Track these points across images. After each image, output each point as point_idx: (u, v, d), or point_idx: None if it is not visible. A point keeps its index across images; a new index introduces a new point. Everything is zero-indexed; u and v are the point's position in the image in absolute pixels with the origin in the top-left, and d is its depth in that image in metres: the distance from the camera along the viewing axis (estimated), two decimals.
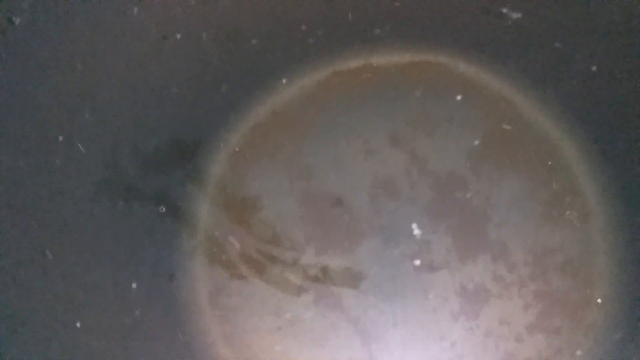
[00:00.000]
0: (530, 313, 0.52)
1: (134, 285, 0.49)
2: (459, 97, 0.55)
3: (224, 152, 0.55)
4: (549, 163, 0.54)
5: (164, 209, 0.52)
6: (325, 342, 0.53)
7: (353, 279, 0.53)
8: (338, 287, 0.53)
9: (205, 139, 0.54)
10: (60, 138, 0.45)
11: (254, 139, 0.55)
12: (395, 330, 0.52)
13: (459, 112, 0.55)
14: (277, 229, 0.54)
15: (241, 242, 0.54)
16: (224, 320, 0.53)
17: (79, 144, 0.46)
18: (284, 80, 0.55)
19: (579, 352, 0.51)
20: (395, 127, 0.55)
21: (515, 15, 0.51)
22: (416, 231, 0.54)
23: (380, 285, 0.53)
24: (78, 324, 0.45)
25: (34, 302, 0.43)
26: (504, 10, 0.51)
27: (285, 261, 0.54)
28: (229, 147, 0.55)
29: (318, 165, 0.55)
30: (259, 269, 0.53)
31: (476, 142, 0.54)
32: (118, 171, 0.49)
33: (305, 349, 0.52)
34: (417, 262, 0.53)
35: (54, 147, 0.45)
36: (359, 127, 0.55)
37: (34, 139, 0.44)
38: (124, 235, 0.49)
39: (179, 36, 0.49)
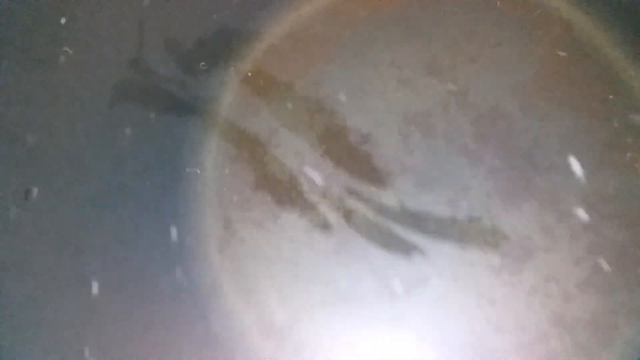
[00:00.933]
0: (582, 269, 0.46)
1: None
2: (507, 19, 0.47)
3: (234, 79, 0.47)
4: (610, 97, 0.46)
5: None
6: (348, 297, 0.46)
7: (379, 227, 0.47)
8: (362, 236, 0.47)
9: (211, 63, 0.47)
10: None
11: (268, 63, 0.48)
12: (427, 287, 0.46)
13: (507, 35, 0.47)
14: (295, 169, 0.47)
15: (254, 182, 0.47)
16: (236, 269, 0.46)
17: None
18: None
19: (635, 314, 0.45)
20: (432, 53, 0.48)
21: None
22: (453, 174, 0.47)
23: (410, 234, 0.46)
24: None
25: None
26: None
27: (303, 205, 0.47)
28: (240, 72, 0.47)
29: (342, 96, 0.48)
30: (274, 212, 0.47)
31: (525, 72, 0.47)
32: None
33: (326, 304, 0.46)
34: (454, 209, 0.46)
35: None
36: (390, 52, 0.48)
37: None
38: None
39: None
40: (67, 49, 0.39)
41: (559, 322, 0.45)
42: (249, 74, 0.47)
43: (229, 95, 0.47)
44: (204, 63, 0.46)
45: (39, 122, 0.40)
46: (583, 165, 0.46)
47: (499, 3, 0.47)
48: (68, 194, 0.41)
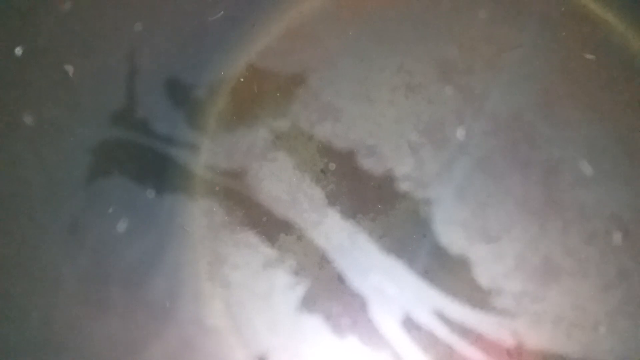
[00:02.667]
0: (612, 295, 0.41)
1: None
2: (528, 17, 0.42)
3: (224, 84, 0.42)
4: None
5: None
6: (348, 329, 0.42)
7: (386, 255, 0.42)
8: (367, 260, 0.42)
9: (198, 67, 0.42)
10: None
11: (263, 67, 0.43)
12: (440, 317, 0.42)
13: (529, 36, 0.43)
14: (293, 186, 0.42)
15: (248, 200, 0.42)
16: (227, 297, 0.42)
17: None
18: None
19: None
20: (445, 56, 0.43)
21: None
22: (469, 191, 0.42)
23: (421, 260, 0.42)
24: None
25: None
26: None
27: (303, 225, 0.42)
28: (231, 77, 0.42)
29: (346, 104, 0.43)
30: (270, 234, 0.42)
31: (549, 77, 0.42)
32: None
33: (321, 335, 0.42)
34: (470, 230, 0.42)
35: None
36: (399, 55, 0.44)
37: None
38: None
39: None
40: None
41: (587, 354, 0.41)
42: (241, 79, 0.43)
43: (219, 103, 0.43)
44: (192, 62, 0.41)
45: None
46: (612, 180, 0.42)
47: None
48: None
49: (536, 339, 0.41)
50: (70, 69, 0.37)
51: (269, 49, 0.43)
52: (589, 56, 0.42)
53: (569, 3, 0.42)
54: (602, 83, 0.42)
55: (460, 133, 0.43)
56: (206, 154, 0.43)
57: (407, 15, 0.43)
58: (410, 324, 0.41)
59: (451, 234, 0.42)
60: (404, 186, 0.43)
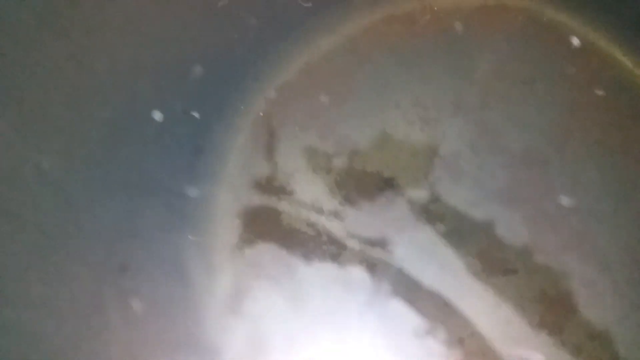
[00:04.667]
0: (628, 327, 0.42)
1: None
2: (540, 54, 0.44)
3: (244, 119, 0.43)
4: None
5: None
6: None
7: (406, 281, 0.42)
8: (387, 292, 0.43)
9: (217, 102, 0.42)
10: None
11: (282, 102, 0.44)
12: (459, 347, 0.42)
13: (540, 72, 0.44)
14: (312, 218, 0.43)
15: (268, 234, 0.42)
16: (248, 329, 0.42)
17: None
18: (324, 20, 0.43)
19: None
20: (459, 91, 0.44)
21: None
22: (485, 223, 0.43)
23: (438, 292, 0.42)
24: None
25: None
26: None
27: (322, 258, 0.43)
28: (251, 112, 0.43)
29: (362, 138, 0.44)
30: (290, 267, 0.42)
31: (560, 112, 0.44)
32: None
33: None
34: (486, 262, 0.43)
35: None
36: (414, 90, 0.45)
37: None
38: None
39: None
40: None
41: None
42: (261, 114, 0.44)
43: (239, 138, 0.43)
44: (211, 100, 0.42)
45: None
46: (627, 212, 0.43)
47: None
48: None
49: None
50: None
51: (287, 84, 0.44)
52: (598, 92, 0.44)
53: (580, 41, 0.44)
54: (612, 118, 0.44)
55: (475, 167, 0.44)
56: (225, 184, 0.43)
57: (422, 52, 0.45)
58: None
59: (470, 266, 0.42)
60: (422, 218, 0.43)
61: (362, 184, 0.44)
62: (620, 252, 0.43)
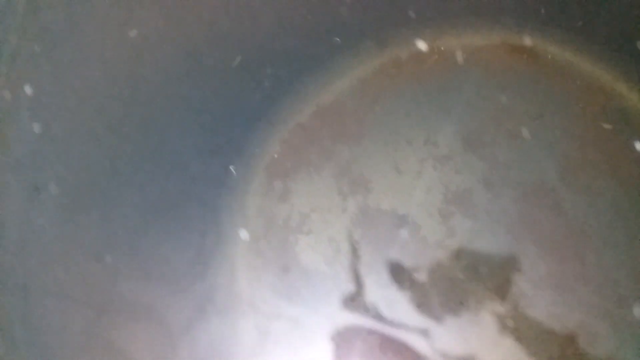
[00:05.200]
0: None
1: None
2: (547, 90, 0.45)
3: (259, 161, 0.44)
4: None
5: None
6: None
7: (423, 321, 0.43)
8: (404, 332, 0.43)
9: (234, 146, 0.43)
10: None
11: (296, 143, 0.44)
12: None
13: (549, 107, 0.45)
14: (329, 258, 0.43)
15: (286, 274, 0.43)
16: None
17: None
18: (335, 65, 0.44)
19: None
20: (469, 128, 0.45)
21: None
22: (499, 257, 0.43)
23: (459, 331, 0.42)
24: None
25: None
26: None
27: (340, 297, 0.43)
28: (265, 154, 0.44)
29: (376, 176, 0.45)
30: (309, 307, 0.42)
31: (570, 146, 0.44)
32: None
33: None
34: (503, 298, 0.43)
35: None
36: (425, 128, 0.46)
37: None
38: None
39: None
40: None
41: None
42: (275, 155, 0.44)
43: (254, 180, 0.44)
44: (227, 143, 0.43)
45: None
46: (638, 242, 0.43)
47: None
48: None
49: None
50: None
51: (300, 125, 0.45)
52: (606, 125, 0.45)
53: (584, 76, 0.45)
54: (620, 151, 0.44)
55: (488, 201, 0.44)
56: (242, 227, 0.44)
57: (431, 91, 0.46)
58: None
59: (486, 302, 0.43)
60: (437, 254, 0.44)
61: (378, 221, 0.44)
62: (636, 282, 0.43)
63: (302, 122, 0.45)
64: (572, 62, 0.45)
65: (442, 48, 0.46)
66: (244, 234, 0.43)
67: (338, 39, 0.43)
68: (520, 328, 0.43)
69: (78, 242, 0.39)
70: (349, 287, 0.43)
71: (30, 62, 0.38)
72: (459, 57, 0.45)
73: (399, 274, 0.43)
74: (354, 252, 0.44)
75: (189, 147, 0.41)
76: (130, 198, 0.40)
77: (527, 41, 0.45)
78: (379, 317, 0.43)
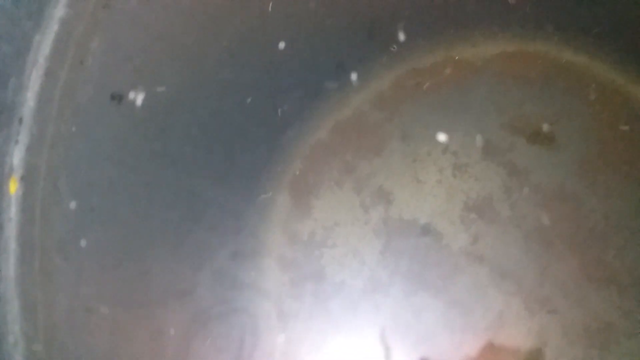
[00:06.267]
0: None
1: None
2: (562, 94, 0.45)
3: (282, 179, 0.45)
4: None
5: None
6: None
7: (450, 330, 0.43)
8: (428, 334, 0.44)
9: (258, 166, 0.44)
10: None
11: (316, 159, 0.46)
12: None
13: (566, 112, 0.46)
14: (355, 270, 0.44)
15: (313, 289, 0.44)
16: None
17: None
18: (352, 78, 0.45)
19: None
20: (488, 135, 0.46)
21: None
22: (523, 262, 0.44)
23: (483, 330, 0.43)
24: None
25: None
26: None
27: (370, 311, 0.44)
28: (288, 171, 0.45)
29: (396, 187, 0.46)
30: (338, 324, 0.44)
31: (588, 149, 0.45)
32: None
33: None
34: (529, 301, 0.44)
35: None
36: (443, 137, 0.46)
37: None
38: None
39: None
40: None
41: None
42: (297, 172, 0.45)
43: (278, 196, 0.45)
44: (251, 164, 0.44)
45: None
46: None
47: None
48: None
49: None
50: None
51: (320, 142, 0.46)
52: (623, 127, 0.45)
53: (598, 79, 0.45)
54: (638, 151, 0.45)
55: (509, 207, 0.45)
56: (269, 243, 0.45)
57: (447, 101, 0.46)
58: None
59: (513, 305, 0.44)
60: (461, 261, 0.44)
61: (401, 231, 0.45)
62: None
63: (321, 138, 0.46)
64: (587, 66, 0.45)
65: (457, 57, 0.46)
66: (269, 251, 0.44)
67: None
68: (545, 329, 0.43)
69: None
70: (376, 297, 0.44)
71: None
72: (474, 66, 0.46)
73: (422, 281, 0.44)
74: (379, 264, 0.45)
75: (211, 173, 0.42)
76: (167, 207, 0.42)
77: (542, 47, 0.46)
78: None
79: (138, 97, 0.40)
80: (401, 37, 0.46)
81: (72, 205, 0.40)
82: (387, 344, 0.44)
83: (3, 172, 0.39)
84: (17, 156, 0.39)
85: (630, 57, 0.45)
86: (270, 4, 0.42)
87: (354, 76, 0.46)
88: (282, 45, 0.44)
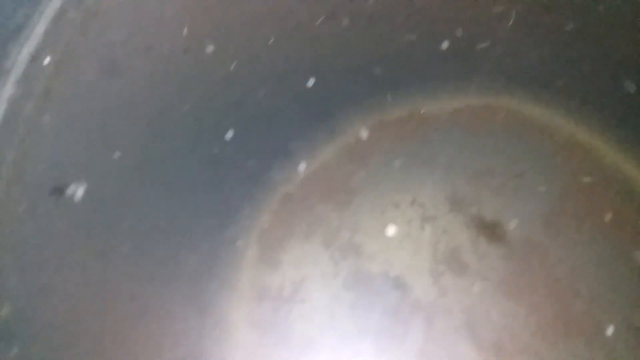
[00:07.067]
0: None
1: None
2: (526, 147, 0.46)
3: (250, 232, 0.44)
4: None
5: None
6: None
7: None
8: None
9: (226, 220, 0.44)
10: None
11: (285, 213, 0.45)
12: None
13: (530, 164, 0.47)
14: (324, 325, 0.44)
15: (280, 346, 0.43)
16: None
17: None
18: (321, 133, 0.45)
19: None
20: (454, 187, 0.46)
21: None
22: (492, 315, 0.44)
23: None
24: None
25: None
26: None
27: None
28: (256, 225, 0.45)
29: (366, 240, 0.46)
30: None
31: (553, 201, 0.46)
32: None
33: None
34: (498, 354, 0.43)
35: None
36: (411, 190, 0.47)
37: None
38: None
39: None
40: None
41: None
42: (266, 226, 0.45)
43: (246, 251, 0.44)
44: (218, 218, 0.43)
45: None
46: (625, 294, 0.44)
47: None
48: None
49: None
50: None
51: (289, 195, 0.46)
52: (586, 179, 0.46)
53: (559, 133, 0.47)
54: (601, 202, 0.46)
55: (477, 259, 0.45)
56: (236, 298, 0.44)
57: (414, 153, 0.47)
58: None
59: (484, 358, 0.43)
60: (431, 315, 0.44)
61: (370, 285, 0.45)
62: (624, 333, 0.44)
63: (290, 191, 0.46)
64: (549, 119, 0.47)
65: (422, 111, 0.47)
66: (237, 307, 0.43)
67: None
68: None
69: None
70: (347, 355, 0.44)
71: None
72: (439, 119, 0.47)
73: (393, 336, 0.44)
74: (349, 319, 0.44)
75: (179, 227, 0.41)
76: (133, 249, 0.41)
77: (505, 101, 0.47)
78: None
79: (78, 191, 0.39)
80: (368, 90, 0.46)
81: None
82: None
83: None
84: None
85: (590, 110, 0.46)
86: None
87: (323, 131, 0.46)
88: (253, 97, 0.44)
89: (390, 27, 0.46)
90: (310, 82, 0.45)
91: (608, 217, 0.46)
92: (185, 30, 0.40)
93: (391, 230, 0.46)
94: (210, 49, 0.40)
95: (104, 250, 0.41)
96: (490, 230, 0.46)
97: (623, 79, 0.46)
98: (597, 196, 0.46)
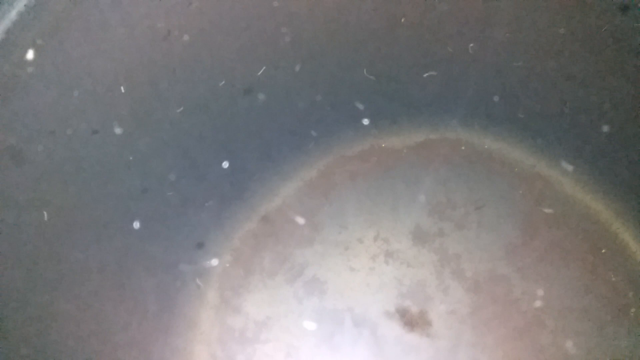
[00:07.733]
0: None
1: None
2: (486, 179, 0.47)
3: (211, 272, 0.44)
4: (603, 251, 0.46)
5: None
6: None
7: None
8: None
9: (187, 259, 0.43)
10: None
11: (247, 251, 0.45)
12: None
13: (489, 197, 0.47)
14: None
15: None
16: None
17: None
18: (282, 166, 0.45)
19: None
20: (417, 221, 0.46)
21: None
22: (459, 349, 0.44)
23: None
24: None
25: None
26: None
27: None
28: (217, 265, 0.44)
29: (330, 276, 0.45)
30: None
31: (515, 232, 0.46)
32: None
33: None
34: None
35: None
36: (374, 225, 0.47)
37: None
38: None
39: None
40: None
41: None
42: (227, 264, 0.44)
43: (208, 291, 0.44)
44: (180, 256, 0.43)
45: None
46: (589, 325, 0.44)
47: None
48: None
49: None
50: None
51: (250, 232, 0.45)
52: (547, 210, 0.46)
53: (519, 165, 0.47)
54: (563, 234, 0.46)
55: (442, 292, 0.45)
56: (197, 340, 0.43)
57: (376, 188, 0.47)
58: None
59: None
60: (397, 352, 0.44)
61: (336, 323, 0.44)
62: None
63: (251, 228, 0.45)
64: (508, 152, 0.47)
65: (383, 145, 0.47)
66: (199, 349, 0.42)
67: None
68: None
69: None
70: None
71: None
72: (400, 153, 0.47)
73: None
74: (314, 355, 0.43)
75: (141, 267, 0.41)
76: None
77: (463, 134, 0.47)
78: None
79: None
80: (326, 125, 0.46)
81: None
82: None
83: None
84: None
85: (549, 142, 0.47)
86: None
87: (284, 165, 0.46)
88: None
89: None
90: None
91: (570, 247, 0.46)
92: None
93: (355, 266, 0.45)
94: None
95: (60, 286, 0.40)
96: (455, 263, 0.46)
97: (581, 113, 0.47)
98: (559, 228, 0.47)
